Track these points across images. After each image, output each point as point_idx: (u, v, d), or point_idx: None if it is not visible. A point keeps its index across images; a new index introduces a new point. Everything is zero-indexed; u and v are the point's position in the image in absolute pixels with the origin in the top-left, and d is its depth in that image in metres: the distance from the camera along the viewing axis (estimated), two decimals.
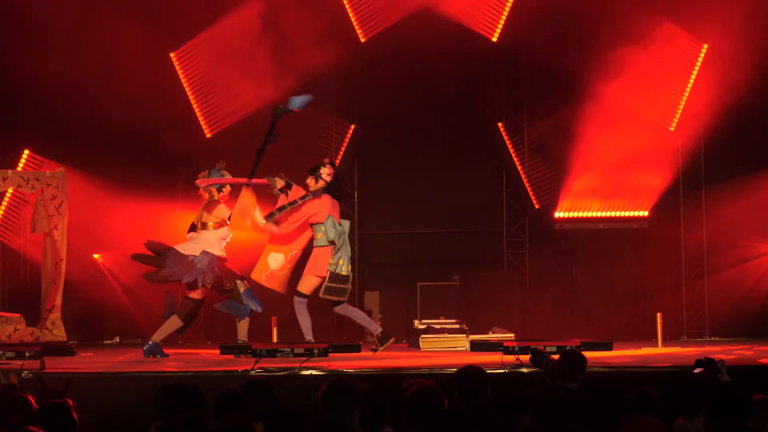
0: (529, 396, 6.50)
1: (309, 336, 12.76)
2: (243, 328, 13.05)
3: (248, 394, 6.42)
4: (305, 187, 12.93)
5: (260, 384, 6.85)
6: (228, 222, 13.09)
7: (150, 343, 13.06)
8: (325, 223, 12.70)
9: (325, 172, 12.89)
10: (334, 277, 12.68)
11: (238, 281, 13.05)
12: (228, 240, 13.20)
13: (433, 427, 6.21)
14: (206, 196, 13.19)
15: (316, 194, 12.83)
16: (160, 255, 12.97)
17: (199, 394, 6.18)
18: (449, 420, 6.30)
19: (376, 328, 13.08)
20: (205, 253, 12.91)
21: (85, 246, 16.22)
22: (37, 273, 15.04)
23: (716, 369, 7.22)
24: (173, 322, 13.15)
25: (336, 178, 13.00)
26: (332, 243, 12.67)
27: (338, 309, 13.00)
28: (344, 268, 12.75)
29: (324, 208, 12.78)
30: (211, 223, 13.09)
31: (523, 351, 10.36)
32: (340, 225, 12.79)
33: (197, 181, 13.17)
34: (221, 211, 13.09)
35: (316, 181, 12.89)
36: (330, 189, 12.92)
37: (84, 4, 15.94)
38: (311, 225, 12.86)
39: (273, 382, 7.05)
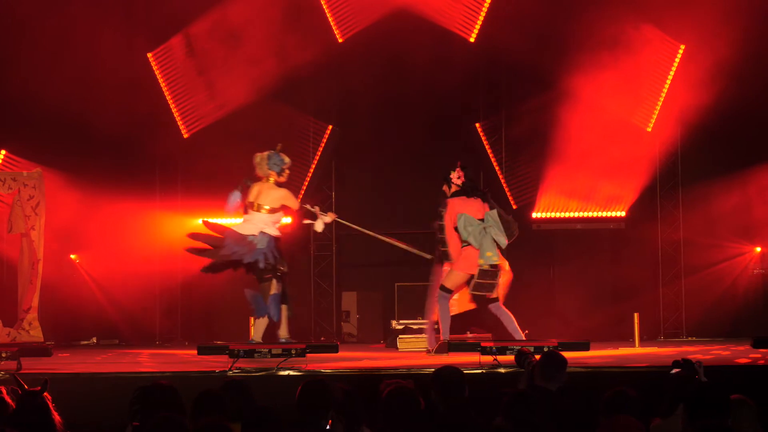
0: (499, 396, 6.50)
1: (446, 335, 12.75)
2: (260, 328, 12.54)
3: (226, 395, 6.40)
4: (443, 194, 13.12)
5: (238, 385, 6.82)
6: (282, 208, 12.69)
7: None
8: (458, 224, 12.84)
9: (455, 176, 13.08)
10: (484, 273, 12.72)
11: (275, 280, 12.61)
12: (281, 222, 12.76)
13: (409, 427, 6.20)
14: (264, 178, 12.68)
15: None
16: (216, 238, 12.53)
17: (176, 395, 6.16)
18: (426, 420, 6.29)
19: (521, 337, 12.92)
20: (263, 233, 12.54)
21: (63, 246, 16.17)
22: (14, 273, 14.92)
23: (693, 370, 7.22)
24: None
25: (468, 179, 13.12)
26: (466, 243, 12.76)
27: (492, 307, 12.97)
28: (492, 258, 12.73)
29: (452, 212, 12.94)
30: (266, 207, 12.62)
31: (500, 351, 10.37)
32: (481, 220, 12.83)
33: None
34: (280, 196, 12.62)
35: (450, 187, 13.07)
36: (464, 191, 13.02)
37: (61, 5, 15.89)
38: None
39: (251, 383, 7.03)
